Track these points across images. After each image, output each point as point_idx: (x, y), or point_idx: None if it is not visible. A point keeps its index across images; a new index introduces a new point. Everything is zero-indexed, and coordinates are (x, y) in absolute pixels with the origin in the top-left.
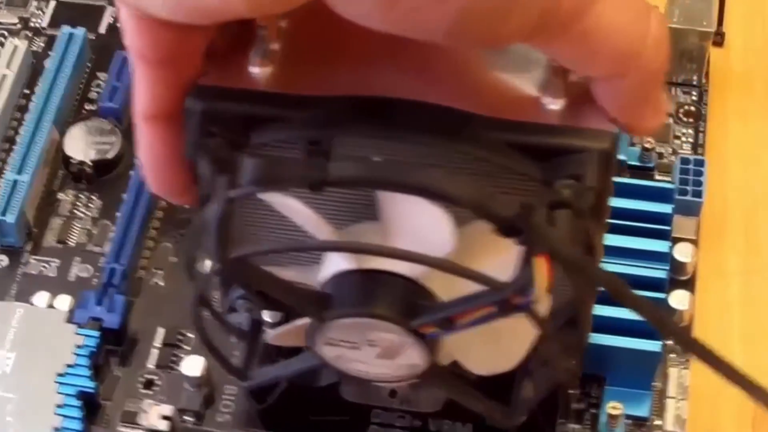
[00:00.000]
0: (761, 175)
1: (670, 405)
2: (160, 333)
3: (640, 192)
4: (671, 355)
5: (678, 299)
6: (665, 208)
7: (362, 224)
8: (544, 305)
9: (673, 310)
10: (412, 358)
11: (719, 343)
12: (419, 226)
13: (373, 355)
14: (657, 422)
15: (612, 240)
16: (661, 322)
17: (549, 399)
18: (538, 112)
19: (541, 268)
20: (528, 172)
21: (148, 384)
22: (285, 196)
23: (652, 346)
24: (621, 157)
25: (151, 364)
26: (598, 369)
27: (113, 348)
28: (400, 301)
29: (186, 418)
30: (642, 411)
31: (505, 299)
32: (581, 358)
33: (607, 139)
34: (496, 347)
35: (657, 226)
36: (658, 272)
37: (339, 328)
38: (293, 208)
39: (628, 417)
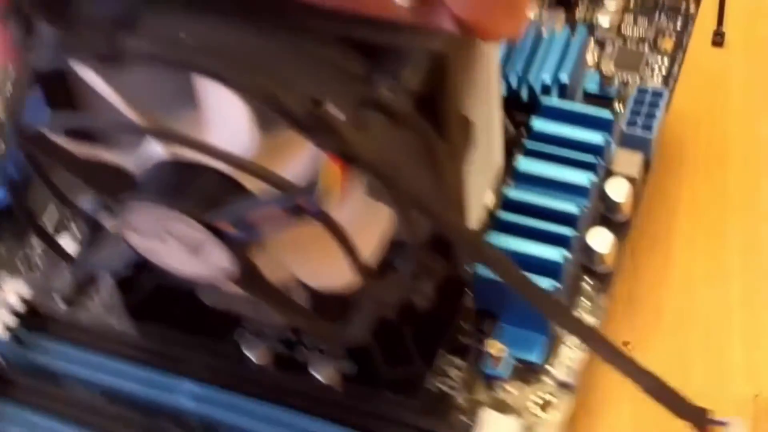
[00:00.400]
0: (762, 175)
1: (564, 354)
2: (53, 213)
3: (572, 117)
4: (583, 301)
5: (596, 238)
6: (596, 138)
7: (186, 111)
8: (356, 215)
9: (590, 250)
10: (218, 259)
11: (719, 342)
12: (225, 118)
13: (181, 250)
14: (549, 369)
15: (529, 165)
16: (483, 255)
17: (434, 328)
18: (386, 7)
19: (332, 170)
20: (349, 68)
21: (30, 264)
22: (87, 71)
23: (542, 284)
24: (562, 78)
25: (38, 244)
26: (491, 305)
27: (3, 224)
28: (201, 193)
29: (57, 300)
30: (532, 356)
31: (294, 202)
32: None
33: (440, 40)
34: (331, 259)
35: (584, 157)
36: (571, 206)
37: (138, 215)
38: (95, 83)
39: (519, 360)
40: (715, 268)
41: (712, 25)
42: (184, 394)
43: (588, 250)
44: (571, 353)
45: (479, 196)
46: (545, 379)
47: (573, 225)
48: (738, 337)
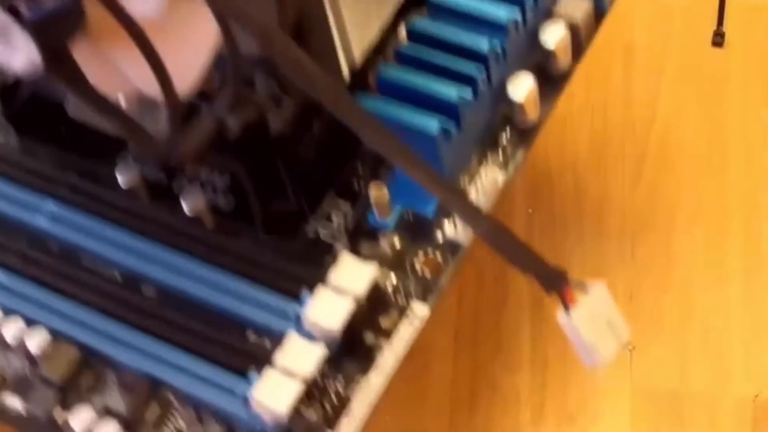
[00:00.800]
0: (762, 174)
1: None
2: None
3: None
4: (497, 154)
5: (516, 84)
6: None
7: None
8: None
9: (510, 99)
10: (24, 48)
11: (719, 342)
12: None
13: None
14: (441, 227)
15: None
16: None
17: (326, 168)
18: None
19: None
20: None
21: None
22: None
23: (427, 125)
24: None
25: None
26: None
27: None
28: None
29: None
30: (426, 208)
31: None
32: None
33: None
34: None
35: None
36: (481, 42)
37: None
38: None
39: (413, 213)
40: (715, 268)
41: (712, 25)
42: (43, 214)
43: (509, 99)
44: None
45: (369, 23)
46: (435, 236)
47: (482, 64)
48: (738, 337)
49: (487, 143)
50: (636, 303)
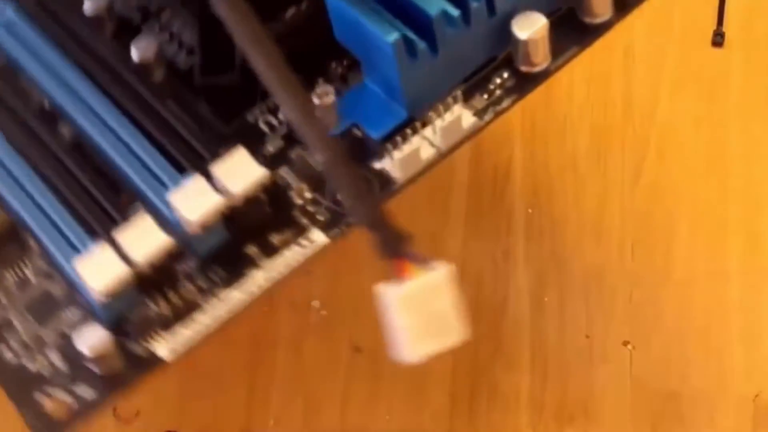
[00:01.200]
0: (762, 175)
1: (414, 144)
2: None
3: None
4: (482, 97)
5: (523, 23)
6: None
7: None
8: None
9: (514, 37)
10: None
11: (719, 342)
12: None
13: None
14: (385, 153)
15: None
16: None
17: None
18: None
19: None
20: None
21: None
22: None
23: (383, 32)
24: None
25: None
26: (351, 43)
27: None
28: None
29: None
30: (373, 129)
31: None
32: None
33: None
34: None
35: None
36: None
37: None
38: None
39: (361, 130)
40: (715, 268)
41: (712, 25)
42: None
43: (514, 39)
44: (425, 143)
45: None
46: (372, 164)
47: None
48: (738, 337)
49: (475, 83)
50: (636, 303)
